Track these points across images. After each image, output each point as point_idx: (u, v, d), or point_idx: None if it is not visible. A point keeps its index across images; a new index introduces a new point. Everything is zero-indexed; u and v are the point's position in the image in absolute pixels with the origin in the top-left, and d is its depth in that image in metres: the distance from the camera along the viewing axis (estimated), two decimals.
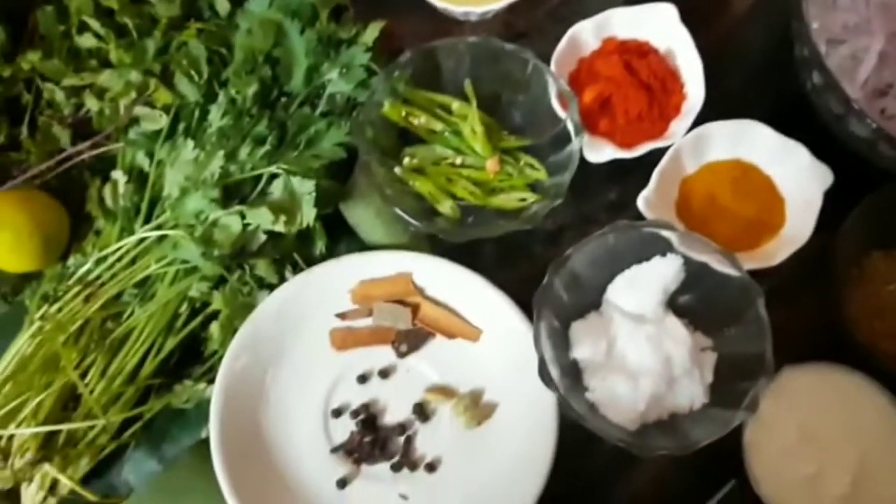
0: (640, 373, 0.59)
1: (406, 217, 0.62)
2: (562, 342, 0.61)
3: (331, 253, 0.66)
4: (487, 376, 0.64)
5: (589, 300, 0.63)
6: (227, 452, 0.58)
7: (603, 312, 0.62)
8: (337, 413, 0.63)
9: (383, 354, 0.65)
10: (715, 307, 0.60)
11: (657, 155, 0.66)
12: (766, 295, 0.56)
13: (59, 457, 0.59)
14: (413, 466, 0.61)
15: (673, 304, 0.62)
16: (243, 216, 0.61)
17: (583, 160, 0.65)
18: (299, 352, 0.64)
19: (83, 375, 0.60)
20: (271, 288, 0.63)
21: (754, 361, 0.56)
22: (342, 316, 0.65)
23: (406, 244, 0.66)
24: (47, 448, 0.59)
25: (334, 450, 0.62)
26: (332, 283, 0.65)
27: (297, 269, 0.64)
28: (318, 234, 0.65)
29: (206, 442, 0.61)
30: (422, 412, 0.63)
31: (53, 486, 0.59)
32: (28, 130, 0.67)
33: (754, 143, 0.67)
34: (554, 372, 0.57)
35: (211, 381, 0.62)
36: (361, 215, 0.67)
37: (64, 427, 0.59)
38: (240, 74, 0.65)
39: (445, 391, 0.63)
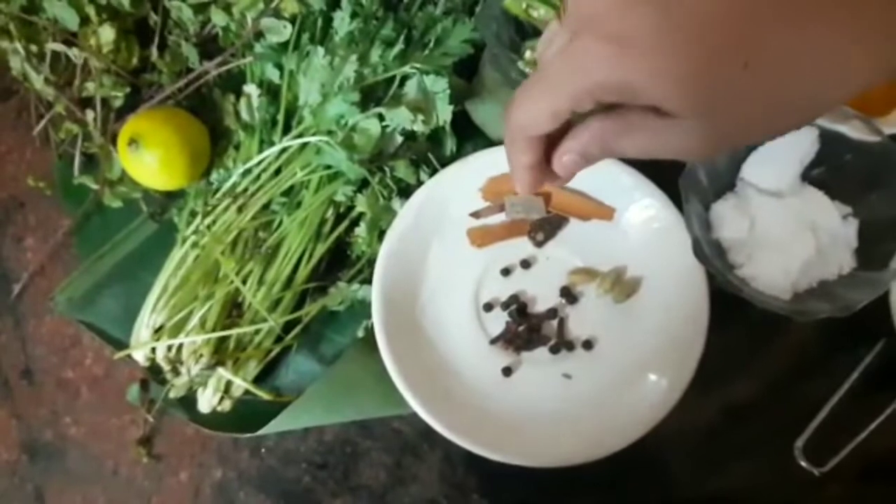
0: (786, 246, 0.60)
1: None
2: (704, 224, 0.62)
3: (460, 153, 0.67)
4: (627, 252, 0.65)
5: (724, 181, 0.63)
6: (394, 351, 0.60)
7: (739, 192, 0.63)
8: (488, 307, 0.64)
9: (521, 246, 0.66)
10: (852, 175, 0.60)
11: None
12: None
13: (230, 361, 0.62)
14: (570, 347, 0.63)
15: (806, 177, 0.62)
16: (382, 118, 0.62)
17: None
18: (441, 254, 0.65)
19: (242, 284, 0.62)
20: (408, 192, 0.65)
21: None
22: (476, 214, 0.66)
23: None
24: (219, 353, 0.62)
25: (493, 341, 0.63)
26: (463, 182, 0.65)
27: (432, 171, 0.65)
28: (448, 134, 0.66)
29: (361, 340, 0.64)
30: (569, 295, 0.64)
31: (227, 388, 0.63)
32: (157, 52, 0.68)
33: None
34: (707, 250, 0.58)
35: (362, 282, 0.64)
36: (489, 112, 0.67)
37: (234, 332, 0.61)
38: None
39: (588, 272, 0.65)
